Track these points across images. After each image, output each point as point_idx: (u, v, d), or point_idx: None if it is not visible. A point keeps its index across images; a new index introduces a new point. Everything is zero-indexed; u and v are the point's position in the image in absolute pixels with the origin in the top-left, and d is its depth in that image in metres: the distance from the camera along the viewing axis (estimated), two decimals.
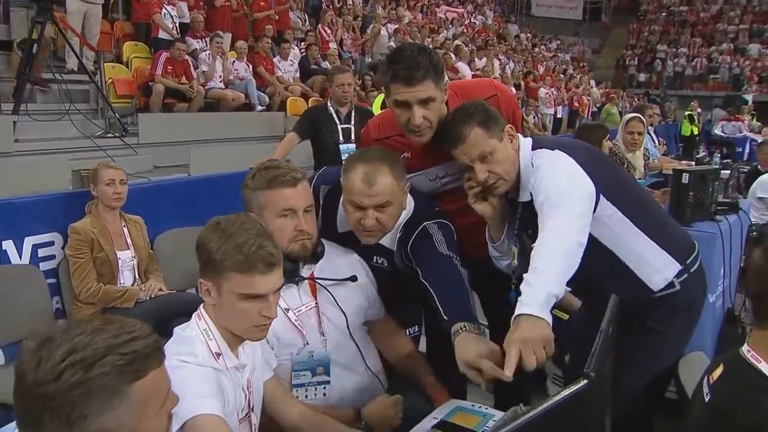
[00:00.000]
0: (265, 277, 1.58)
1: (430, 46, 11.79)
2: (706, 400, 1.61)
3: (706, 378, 1.67)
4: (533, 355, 1.63)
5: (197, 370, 1.57)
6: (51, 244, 3.61)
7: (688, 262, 2.16)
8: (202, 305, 1.70)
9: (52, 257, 3.61)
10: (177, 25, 9.04)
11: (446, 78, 2.20)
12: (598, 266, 2.00)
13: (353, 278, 2.16)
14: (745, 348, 1.60)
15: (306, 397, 2.07)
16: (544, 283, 1.69)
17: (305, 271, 2.10)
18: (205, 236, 1.60)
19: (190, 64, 8.42)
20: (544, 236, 1.79)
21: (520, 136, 2.15)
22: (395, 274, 2.35)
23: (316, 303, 2.11)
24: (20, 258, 3.49)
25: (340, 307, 2.13)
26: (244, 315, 1.60)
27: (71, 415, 1.04)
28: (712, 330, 3.70)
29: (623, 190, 2.12)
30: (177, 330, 1.70)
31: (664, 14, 28.57)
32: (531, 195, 2.01)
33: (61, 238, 3.60)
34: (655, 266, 2.13)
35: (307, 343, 2.05)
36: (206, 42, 9.00)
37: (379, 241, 2.26)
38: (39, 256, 3.56)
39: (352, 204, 2.12)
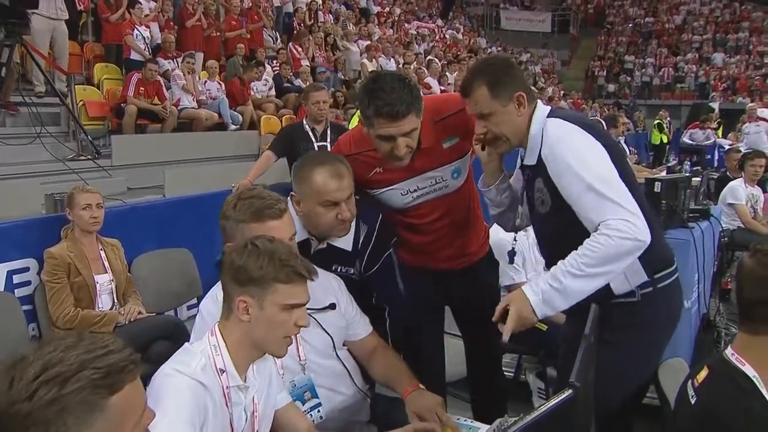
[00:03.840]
0: (305, 287, 1.70)
1: (402, 62, 11.87)
2: (692, 402, 1.64)
3: (690, 381, 1.70)
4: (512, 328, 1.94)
5: (184, 383, 1.57)
6: (26, 269, 3.56)
7: (657, 276, 2.12)
8: (216, 323, 1.73)
9: (27, 283, 3.55)
10: (149, 46, 9.01)
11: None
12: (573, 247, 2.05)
13: (332, 306, 2.18)
14: (729, 351, 1.64)
15: None
16: (562, 299, 1.92)
17: None
18: (239, 258, 1.66)
19: (162, 84, 8.39)
20: (595, 249, 1.89)
21: (539, 102, 2.17)
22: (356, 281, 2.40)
23: None
24: None
25: (326, 331, 2.14)
26: (282, 326, 1.67)
27: None
28: (689, 335, 3.76)
29: (628, 185, 2.07)
30: (186, 344, 1.74)
31: (630, 25, 29.12)
32: (538, 160, 2.08)
33: (37, 263, 3.55)
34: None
35: (282, 374, 2.03)
36: (177, 62, 8.99)
37: (334, 244, 2.32)
38: (14, 282, 3.51)
39: (325, 204, 2.18)
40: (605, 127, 5.76)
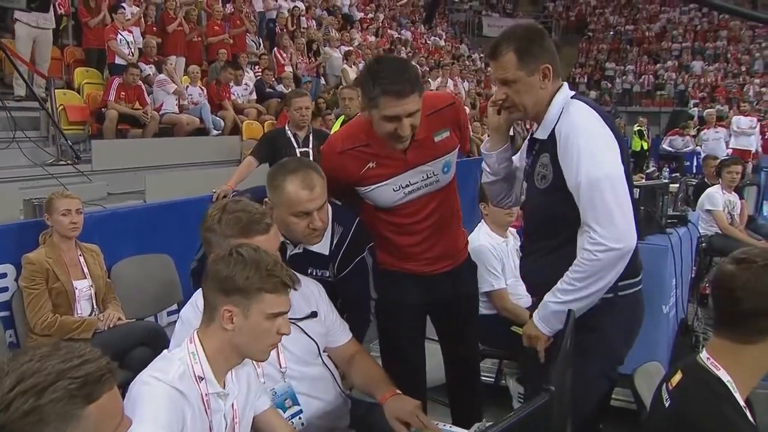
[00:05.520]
0: (288, 297, 1.72)
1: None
2: (666, 405, 1.66)
3: (665, 384, 1.72)
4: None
5: (161, 390, 1.57)
6: (3, 276, 3.51)
7: (620, 283, 2.14)
8: (196, 331, 1.73)
9: (5, 289, 3.51)
10: (133, 50, 8.97)
11: None
12: (549, 238, 2.11)
13: (314, 314, 2.19)
14: (703, 355, 1.65)
15: None
16: (557, 319, 2.08)
17: None
18: (226, 268, 1.66)
19: (144, 89, 8.35)
20: (584, 266, 2.02)
21: (566, 85, 2.18)
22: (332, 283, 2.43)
23: None
24: None
25: (311, 337, 2.15)
26: (266, 334, 1.68)
27: None
28: (667, 340, 3.80)
29: (629, 183, 2.11)
30: (165, 351, 1.74)
31: (611, 33, 29.42)
32: (550, 135, 2.11)
33: (14, 269, 3.51)
34: None
35: (263, 383, 2.03)
36: (161, 67, 8.96)
37: (310, 249, 2.34)
38: None
39: (297, 214, 2.19)
40: None
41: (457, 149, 2.51)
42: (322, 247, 2.38)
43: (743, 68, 24.71)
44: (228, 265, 1.66)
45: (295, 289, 1.74)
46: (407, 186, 2.43)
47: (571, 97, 2.13)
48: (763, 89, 22.60)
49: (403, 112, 2.20)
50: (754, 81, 23.28)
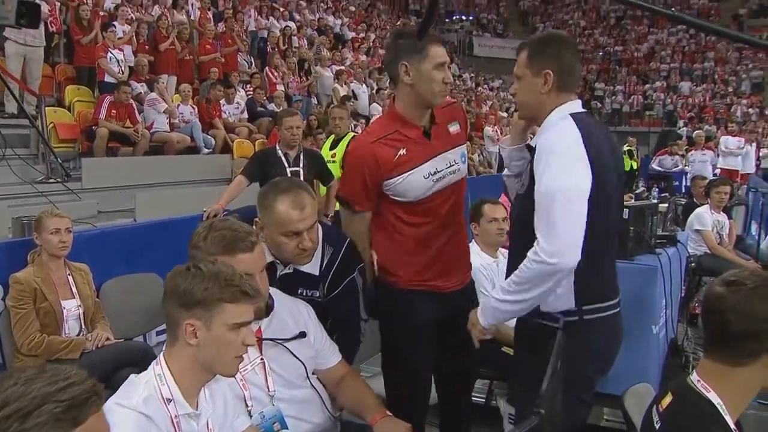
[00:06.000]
0: (250, 306, 1.69)
1: (375, 87, 11.95)
2: (657, 427, 1.66)
3: (655, 406, 1.71)
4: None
5: (125, 416, 1.55)
6: None
7: (586, 307, 2.14)
8: (162, 353, 1.71)
9: None
10: (123, 69, 8.97)
11: None
12: (524, 242, 2.10)
13: (302, 335, 2.18)
14: (694, 377, 1.65)
15: None
16: (492, 315, 2.18)
17: (252, 327, 2.10)
18: (184, 281, 1.65)
19: (135, 107, 8.35)
20: (523, 271, 2.04)
21: (574, 103, 2.19)
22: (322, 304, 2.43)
23: (262, 358, 2.10)
24: None
25: (299, 358, 2.14)
26: (230, 346, 1.65)
27: None
28: (657, 361, 3.80)
29: (605, 205, 2.10)
30: (131, 376, 1.71)
31: (600, 54, 29.71)
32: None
33: (2, 289, 3.47)
34: (557, 289, 2.10)
35: (251, 406, 2.02)
36: (152, 85, 8.97)
37: (300, 269, 2.35)
38: None
39: (287, 234, 2.22)
40: None
41: (465, 145, 2.64)
42: (312, 267, 2.39)
43: (730, 89, 25.01)
44: (186, 279, 1.65)
45: (256, 299, 1.73)
46: (435, 173, 2.47)
47: (571, 114, 2.13)
48: (750, 110, 22.85)
49: (447, 58, 2.43)
50: (742, 101, 23.55)
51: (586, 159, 2.02)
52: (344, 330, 2.48)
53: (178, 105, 9.11)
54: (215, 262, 1.71)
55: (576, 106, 2.19)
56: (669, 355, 4.26)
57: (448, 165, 2.50)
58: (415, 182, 2.45)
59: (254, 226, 2.28)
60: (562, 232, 1.96)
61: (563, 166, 2.01)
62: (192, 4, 11.73)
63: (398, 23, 23.28)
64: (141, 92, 8.91)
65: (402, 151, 2.44)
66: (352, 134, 6.60)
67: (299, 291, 2.39)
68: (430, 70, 2.37)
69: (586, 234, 1.99)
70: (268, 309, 2.10)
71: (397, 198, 2.49)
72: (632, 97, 26.08)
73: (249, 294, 1.68)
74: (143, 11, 10.53)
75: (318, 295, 2.43)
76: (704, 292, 1.74)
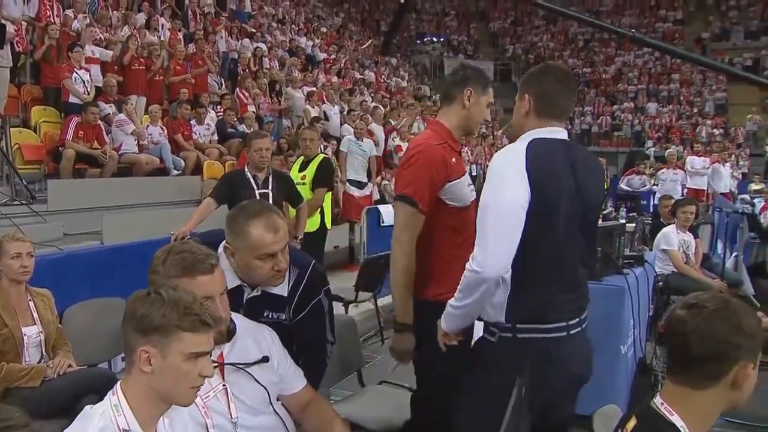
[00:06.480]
0: (209, 336, 1.65)
1: (346, 108, 11.94)
2: None
3: (620, 430, 1.72)
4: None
5: None
6: None
7: (520, 325, 2.15)
8: (119, 383, 1.66)
9: None
10: (89, 89, 8.85)
11: None
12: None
13: (265, 359, 2.14)
14: (657, 400, 1.65)
15: None
16: (445, 320, 2.27)
17: (214, 352, 2.07)
18: (142, 306, 1.61)
19: (103, 128, 8.24)
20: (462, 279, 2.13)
21: (556, 127, 2.27)
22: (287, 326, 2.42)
23: (224, 384, 2.06)
24: None
25: (261, 384, 2.10)
26: (186, 376, 1.61)
27: None
28: (626, 380, 3.82)
29: (547, 224, 2.13)
30: (87, 407, 1.66)
31: None
32: None
33: None
34: (493, 300, 2.17)
35: None
36: (121, 106, 8.88)
37: (269, 291, 2.35)
38: None
39: (262, 257, 2.21)
40: None
41: None
42: (282, 288, 2.38)
43: (695, 110, 25.51)
44: (144, 304, 1.62)
45: (216, 328, 1.69)
46: (469, 185, 2.71)
47: (536, 137, 2.20)
48: (715, 130, 23.33)
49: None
50: (706, 122, 24.03)
51: (525, 174, 2.09)
52: (310, 353, 2.46)
53: (147, 126, 9.02)
54: (176, 289, 1.68)
55: (552, 132, 2.25)
56: (638, 374, 4.29)
57: (469, 182, 2.72)
58: (459, 191, 2.63)
59: (224, 252, 2.27)
60: (491, 244, 2.05)
61: (499, 182, 2.12)
62: (162, 25, 11.67)
63: (368, 44, 23.48)
64: (109, 113, 8.79)
65: (453, 159, 2.61)
66: (322, 156, 6.59)
67: (265, 314, 2.38)
68: (484, 104, 2.70)
69: (521, 249, 2.07)
70: (230, 333, 2.06)
71: (452, 202, 2.60)
72: (601, 117, 26.45)
73: (208, 324, 1.64)
74: (113, 32, 10.43)
75: (284, 317, 2.41)
76: (667, 316, 1.75)
